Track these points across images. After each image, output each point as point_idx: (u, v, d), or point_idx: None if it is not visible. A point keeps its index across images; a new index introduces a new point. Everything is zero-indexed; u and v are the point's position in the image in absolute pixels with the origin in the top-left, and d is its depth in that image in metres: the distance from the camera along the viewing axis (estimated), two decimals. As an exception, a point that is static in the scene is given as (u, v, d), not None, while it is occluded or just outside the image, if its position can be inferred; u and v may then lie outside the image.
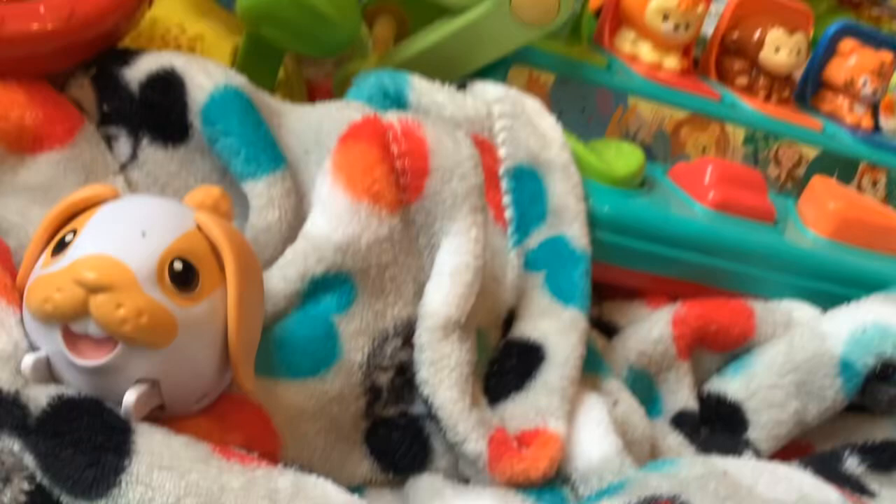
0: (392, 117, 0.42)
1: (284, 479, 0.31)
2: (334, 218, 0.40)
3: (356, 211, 0.40)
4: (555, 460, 0.39)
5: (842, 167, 0.63)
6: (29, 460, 0.30)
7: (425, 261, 0.42)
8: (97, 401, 0.31)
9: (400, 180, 0.41)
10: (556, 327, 0.43)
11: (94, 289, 0.30)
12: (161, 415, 0.33)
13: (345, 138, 0.41)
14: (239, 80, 0.43)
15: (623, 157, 0.52)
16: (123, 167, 0.43)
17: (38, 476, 0.30)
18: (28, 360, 0.31)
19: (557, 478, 0.40)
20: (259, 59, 0.51)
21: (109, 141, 0.43)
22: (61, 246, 0.32)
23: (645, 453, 0.43)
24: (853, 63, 0.67)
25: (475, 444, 0.39)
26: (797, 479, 0.41)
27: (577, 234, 0.46)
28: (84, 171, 0.41)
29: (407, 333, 0.41)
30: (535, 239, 0.46)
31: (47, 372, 0.31)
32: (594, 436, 0.41)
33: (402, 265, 0.41)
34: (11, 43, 0.40)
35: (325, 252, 0.39)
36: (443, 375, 0.39)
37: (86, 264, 0.30)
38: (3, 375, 0.30)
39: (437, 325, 0.40)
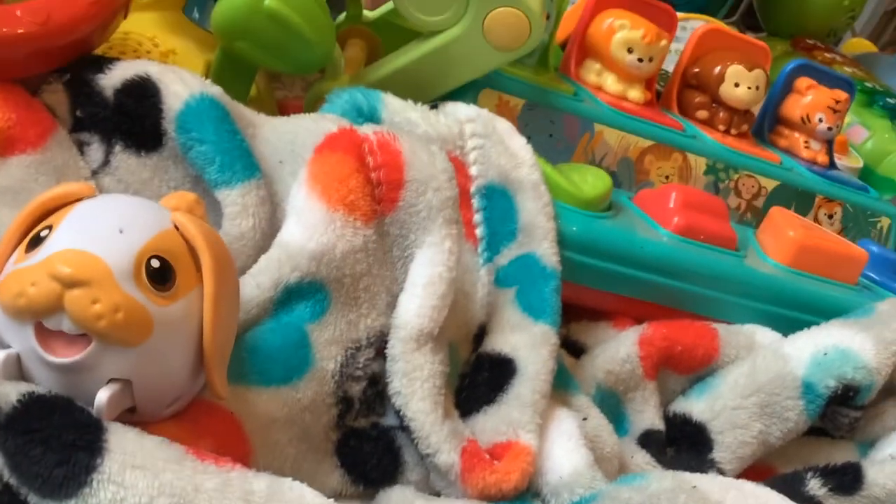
0: (368, 129, 0.42)
1: (259, 481, 0.31)
2: (309, 227, 0.40)
3: (331, 220, 0.40)
4: (527, 473, 0.39)
5: (799, 199, 0.65)
6: (-3, 458, 0.29)
7: (399, 272, 0.42)
8: (68, 399, 0.30)
9: (375, 192, 0.41)
10: (526, 341, 0.44)
11: (69, 283, 0.29)
12: (132, 418, 0.32)
13: (321, 148, 0.41)
14: (215, 90, 0.43)
15: (590, 181, 0.52)
16: (95, 173, 0.42)
17: (6, 475, 0.29)
18: (-2, 357, 0.30)
19: (528, 491, 0.40)
20: (231, 75, 0.51)
21: (81, 147, 0.42)
22: (36, 241, 0.31)
23: (614, 469, 0.43)
24: (809, 100, 0.69)
25: (447, 455, 0.38)
26: (764, 496, 0.41)
27: (547, 251, 0.47)
28: (55, 175, 0.40)
29: (380, 344, 0.40)
30: (506, 256, 0.47)
31: (18, 370, 0.31)
32: (565, 449, 0.41)
33: (376, 276, 0.41)
34: (-16, 46, 0.39)
35: (300, 260, 0.39)
36: (415, 386, 0.39)
37: (62, 258, 0.30)
38: (-28, 371, 0.30)
39: (411, 336, 0.40)
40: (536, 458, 0.40)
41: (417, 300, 0.40)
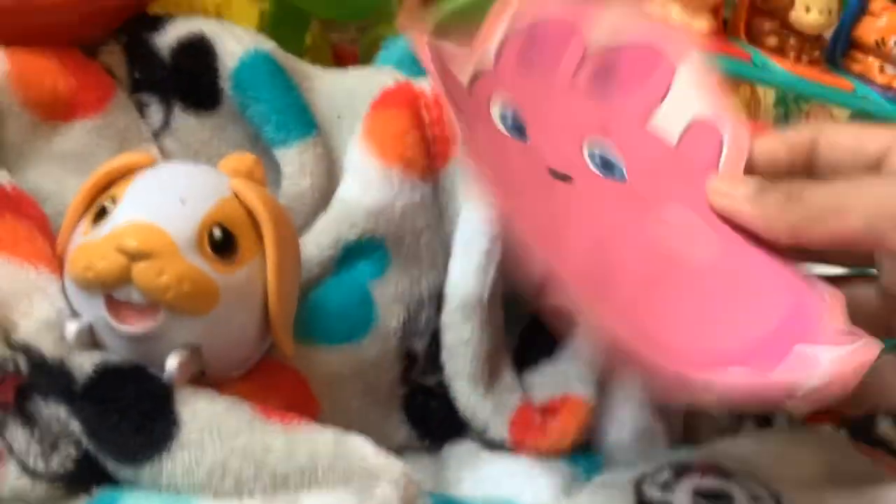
0: (424, 84, 0.42)
1: (325, 438, 0.31)
2: (366, 184, 0.40)
3: (388, 177, 0.40)
4: (583, 425, 0.39)
5: (873, 129, 0.63)
6: (75, 426, 0.30)
7: (454, 228, 0.41)
8: (141, 367, 0.31)
9: (430, 148, 0.41)
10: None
11: (136, 256, 0.30)
12: (202, 380, 0.33)
13: (377, 105, 0.41)
14: (268, 45, 0.43)
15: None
16: (156, 135, 0.42)
17: (85, 442, 0.30)
18: (72, 328, 0.31)
19: (592, 445, 0.40)
20: (286, 25, 0.50)
21: (141, 108, 0.42)
22: (101, 213, 0.32)
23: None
24: (884, 23, 0.66)
25: (496, 430, 0.39)
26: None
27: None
28: (118, 138, 0.40)
29: (439, 301, 0.40)
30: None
31: (90, 338, 0.32)
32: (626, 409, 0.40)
33: (435, 231, 0.41)
34: (41, 10, 0.39)
35: (358, 218, 0.39)
36: (458, 364, 0.39)
37: (127, 232, 0.30)
38: (48, 342, 0.31)
39: (457, 306, 0.39)
40: (595, 410, 0.40)
41: (459, 262, 0.39)
